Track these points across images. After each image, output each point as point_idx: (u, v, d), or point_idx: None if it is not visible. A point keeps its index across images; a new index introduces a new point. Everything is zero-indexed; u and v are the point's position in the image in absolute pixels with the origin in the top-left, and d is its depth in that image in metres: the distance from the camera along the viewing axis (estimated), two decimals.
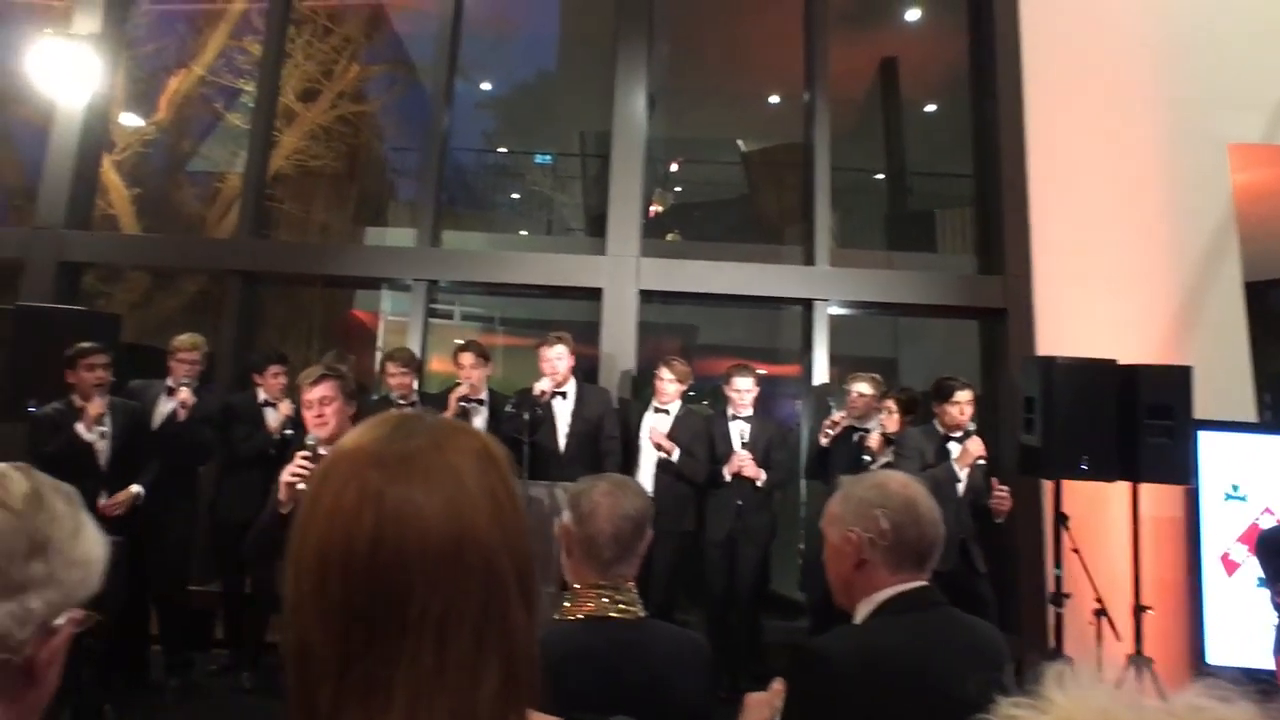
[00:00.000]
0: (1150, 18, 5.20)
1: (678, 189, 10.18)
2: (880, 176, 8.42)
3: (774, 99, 8.77)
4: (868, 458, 4.18)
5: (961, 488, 4.03)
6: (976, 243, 5.59)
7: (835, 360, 5.29)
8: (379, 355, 8.48)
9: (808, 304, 5.28)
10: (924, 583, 1.60)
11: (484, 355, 4.54)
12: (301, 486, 2.67)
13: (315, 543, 0.69)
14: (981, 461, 4.02)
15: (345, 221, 8.90)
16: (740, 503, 4.47)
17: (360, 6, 8.96)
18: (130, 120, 8.21)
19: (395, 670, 0.65)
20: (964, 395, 4.11)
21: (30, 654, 0.78)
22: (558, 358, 4.36)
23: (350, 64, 8.88)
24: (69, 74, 5.51)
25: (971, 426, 4.13)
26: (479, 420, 4.54)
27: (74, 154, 5.57)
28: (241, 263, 5.54)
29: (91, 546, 0.84)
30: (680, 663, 1.76)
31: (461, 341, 4.62)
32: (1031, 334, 4.91)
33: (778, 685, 1.96)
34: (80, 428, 3.89)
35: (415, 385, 4.65)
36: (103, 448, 3.96)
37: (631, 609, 1.71)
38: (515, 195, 9.86)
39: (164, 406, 4.49)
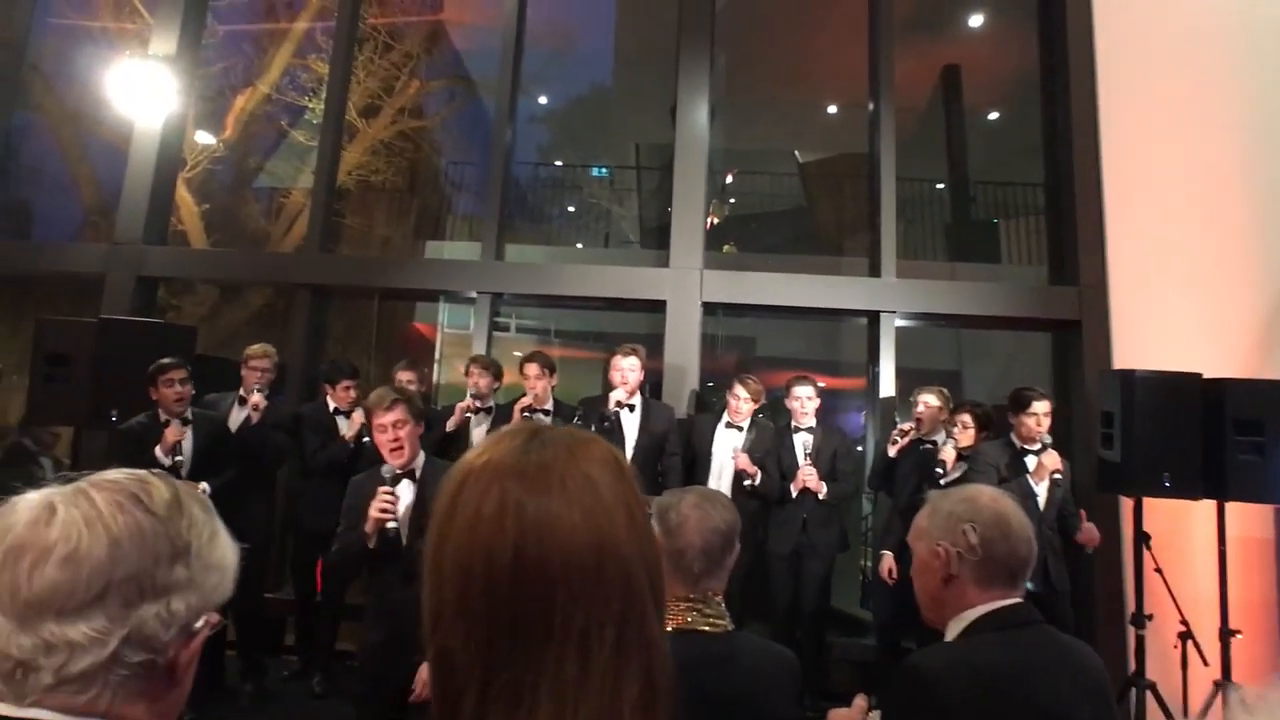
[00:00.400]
0: (1232, 14, 5.01)
1: (731, 200, 10.15)
2: (941, 186, 8.28)
3: (832, 109, 8.71)
4: (940, 470, 4.09)
5: (1042, 503, 3.92)
6: (1049, 252, 5.45)
7: (898, 373, 5.20)
8: (437, 367, 8.62)
9: (874, 316, 5.20)
10: (1019, 599, 1.56)
11: (549, 366, 4.57)
12: (391, 524, 2.76)
13: (453, 553, 0.70)
14: (1058, 476, 3.91)
15: (406, 235, 9.07)
16: (805, 516, 4.43)
17: (420, 23, 9.14)
18: (204, 138, 8.47)
19: (540, 678, 0.66)
20: (1041, 406, 4.00)
21: (173, 656, 0.80)
22: (630, 369, 4.37)
23: (410, 80, 9.06)
24: (147, 94, 5.71)
25: (1048, 440, 4.02)
26: None
27: (151, 172, 5.75)
28: (312, 276, 5.65)
29: (226, 552, 0.87)
30: (769, 677, 1.76)
31: (525, 353, 4.67)
32: (1107, 346, 4.76)
33: (860, 702, 1.93)
34: (158, 452, 3.95)
35: (496, 388, 4.77)
36: (182, 466, 4.04)
37: (720, 622, 1.71)
38: (570, 208, 9.94)
39: (237, 415, 4.62)
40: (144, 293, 5.69)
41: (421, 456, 3.04)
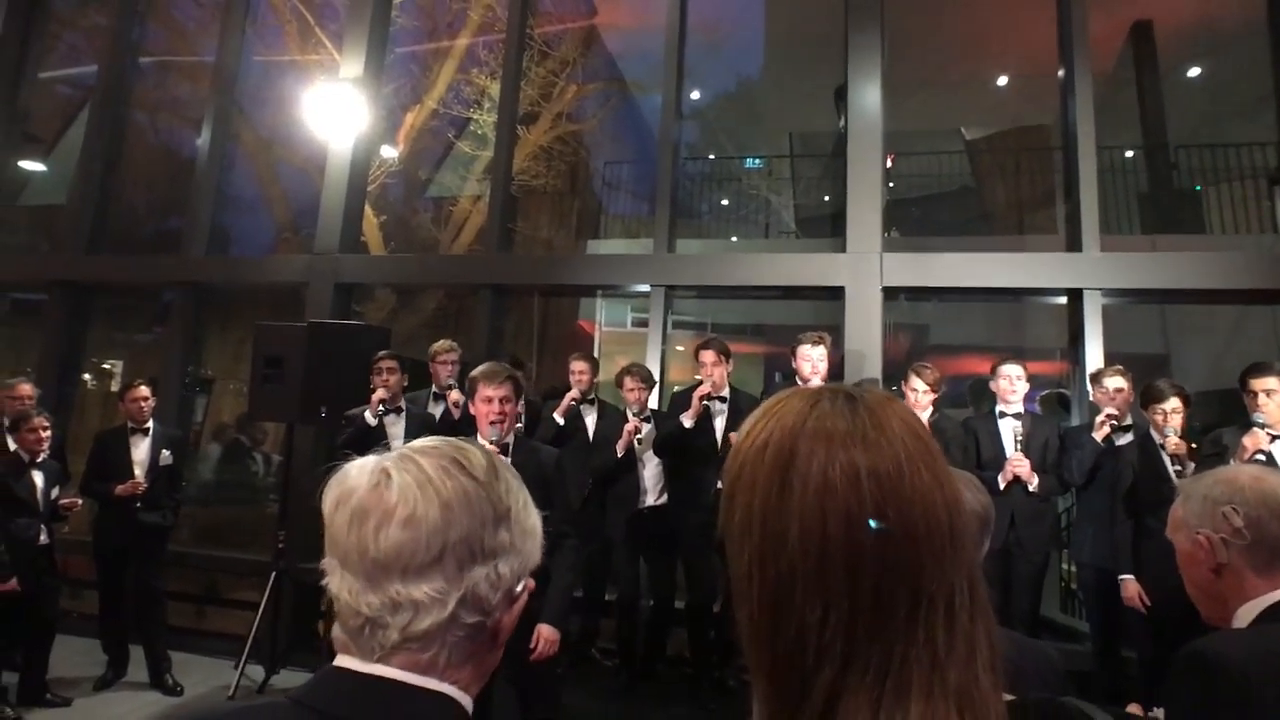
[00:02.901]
0: None
1: (890, 184, 9.80)
2: (1131, 154, 7.63)
3: (1002, 81, 8.21)
4: (1178, 467, 3.69)
5: None
6: None
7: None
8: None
9: (1076, 294, 4.83)
10: None
11: (725, 353, 4.54)
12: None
13: (802, 526, 0.66)
14: (1261, 456, 3.47)
15: (568, 236, 9.31)
16: (1013, 511, 4.15)
17: (575, 29, 9.36)
18: (387, 152, 9.01)
19: (910, 649, 0.63)
20: (1265, 382, 3.55)
21: (498, 619, 0.82)
22: (820, 359, 4.26)
23: (567, 85, 9.28)
24: (339, 115, 6.12)
25: (1260, 419, 3.53)
26: (720, 419, 4.53)
27: (344, 186, 6.17)
28: (492, 276, 5.88)
29: (536, 519, 0.88)
30: (1034, 673, 1.65)
31: (701, 340, 4.69)
32: None
33: (1134, 708, 1.79)
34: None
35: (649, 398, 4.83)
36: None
37: None
38: (725, 201, 9.89)
39: (435, 410, 4.88)
40: (341, 298, 6.10)
41: (513, 435, 3.18)
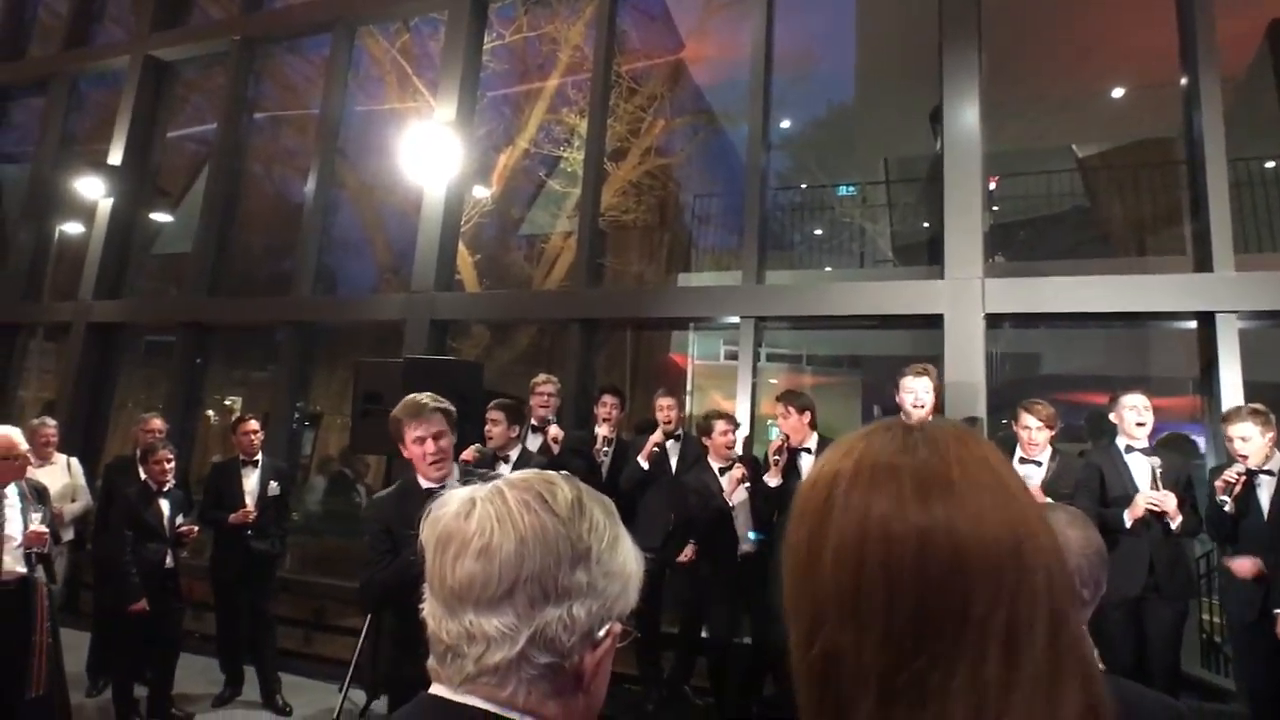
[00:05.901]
0: None
1: (995, 209, 9.35)
2: (1271, 165, 6.99)
3: (1117, 93, 7.73)
4: None
5: None
6: None
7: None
8: (689, 397, 8.68)
9: (1207, 318, 4.41)
10: None
11: (803, 408, 4.47)
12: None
13: (838, 548, 0.62)
14: None
15: (658, 270, 9.30)
16: (1152, 556, 3.75)
17: (662, 64, 9.42)
18: (480, 192, 9.26)
19: (951, 680, 0.57)
20: None
21: (578, 662, 0.79)
22: (924, 391, 4.05)
23: (655, 120, 9.33)
24: (434, 158, 6.30)
25: None
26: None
27: (439, 227, 6.34)
28: (582, 311, 5.89)
29: (627, 560, 0.84)
30: None
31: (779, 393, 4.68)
32: None
33: None
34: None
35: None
36: None
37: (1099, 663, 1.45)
38: (817, 231, 9.66)
39: (531, 443, 4.89)
40: (437, 334, 6.24)
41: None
